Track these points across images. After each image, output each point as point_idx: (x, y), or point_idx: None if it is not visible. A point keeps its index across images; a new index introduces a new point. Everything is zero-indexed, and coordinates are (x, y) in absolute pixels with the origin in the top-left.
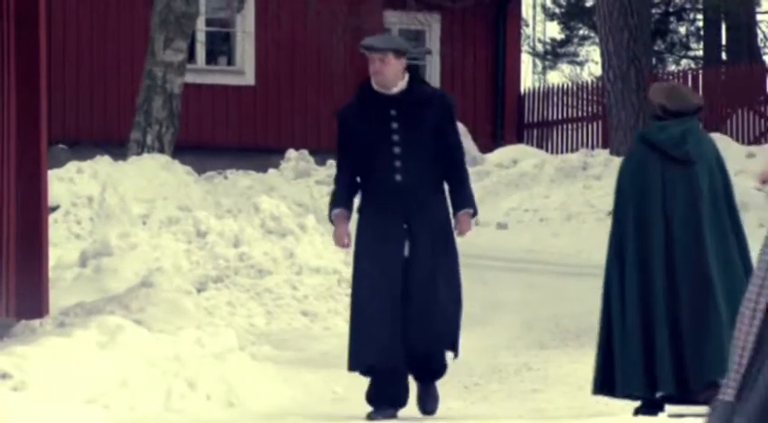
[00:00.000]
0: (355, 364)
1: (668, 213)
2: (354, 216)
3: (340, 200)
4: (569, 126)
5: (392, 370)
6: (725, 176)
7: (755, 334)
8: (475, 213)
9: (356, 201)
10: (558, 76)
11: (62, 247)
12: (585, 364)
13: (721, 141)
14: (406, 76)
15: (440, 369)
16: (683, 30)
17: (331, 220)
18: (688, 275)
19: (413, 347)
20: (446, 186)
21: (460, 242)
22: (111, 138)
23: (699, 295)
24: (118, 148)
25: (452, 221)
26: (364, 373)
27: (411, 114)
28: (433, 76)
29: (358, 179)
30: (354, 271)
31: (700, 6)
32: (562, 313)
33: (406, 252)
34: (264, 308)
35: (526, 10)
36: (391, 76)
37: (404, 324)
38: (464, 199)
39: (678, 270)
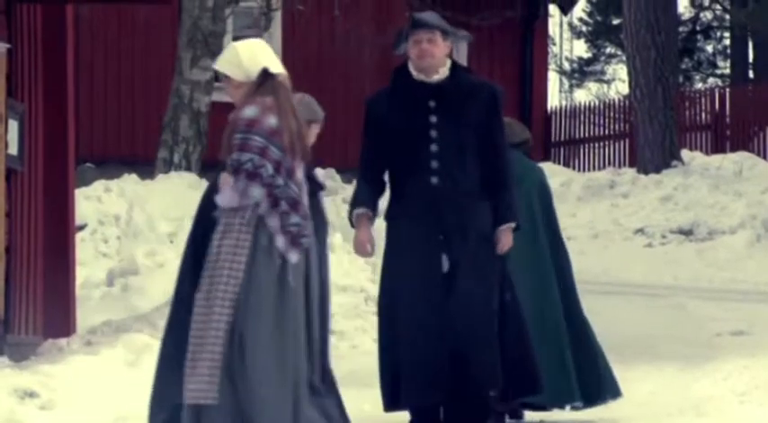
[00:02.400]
0: (391, 403)
1: None
2: (381, 224)
3: (363, 198)
4: (596, 144)
5: (434, 407)
6: (546, 200)
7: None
8: (518, 227)
9: (382, 204)
10: (585, 95)
11: (89, 265)
12: None
13: (749, 160)
14: (448, 63)
15: (482, 414)
16: (710, 48)
17: (351, 223)
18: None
19: (454, 387)
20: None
21: None
22: (138, 156)
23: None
24: (145, 166)
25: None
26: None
27: (453, 107)
28: None
29: (386, 179)
30: (382, 291)
31: (727, 25)
32: None
33: (445, 267)
34: None
35: (553, 28)
36: (439, 60)
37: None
38: (506, 210)
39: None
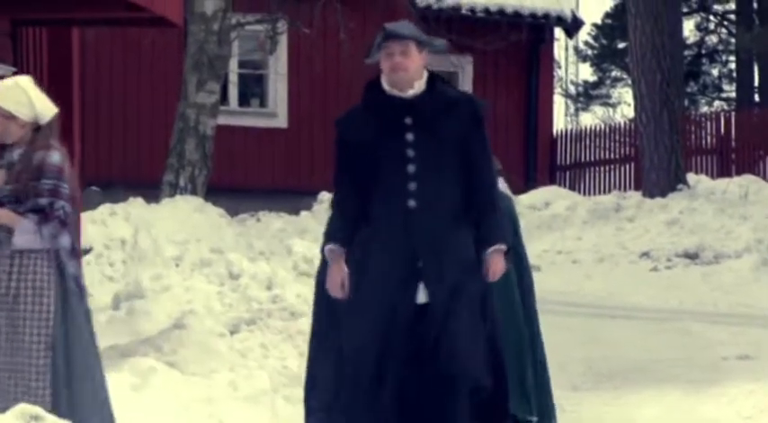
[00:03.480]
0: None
1: None
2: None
3: (336, 232)
4: (602, 168)
5: None
6: (513, 226)
7: None
8: (508, 250)
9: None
10: (591, 118)
11: (95, 289)
12: (618, 406)
13: (755, 184)
14: (425, 76)
15: None
16: (715, 72)
17: (324, 257)
18: None
19: None
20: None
21: None
22: (143, 180)
23: None
24: (151, 190)
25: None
26: None
27: (431, 123)
28: None
29: (361, 207)
30: (343, 321)
31: (732, 48)
32: (595, 355)
33: (420, 298)
34: (297, 350)
35: (559, 52)
36: (414, 73)
37: (412, 404)
38: (493, 231)
39: None
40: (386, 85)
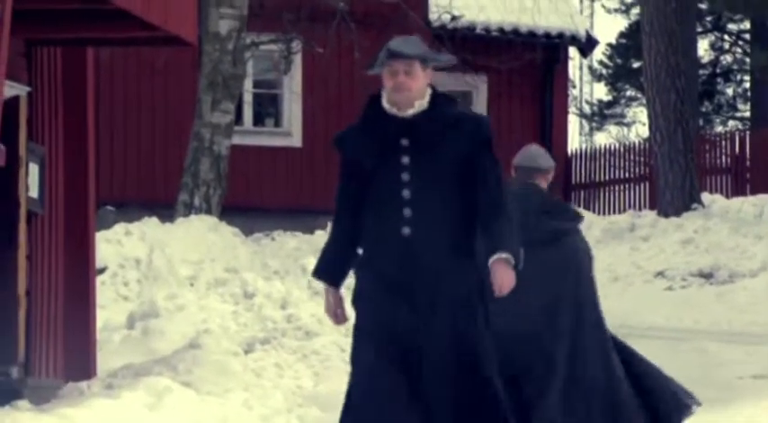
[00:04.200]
0: None
1: None
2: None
3: (327, 265)
4: (616, 187)
5: None
6: None
7: None
8: (517, 262)
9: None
10: (606, 138)
11: (110, 308)
12: None
13: None
14: (428, 94)
15: None
16: (730, 91)
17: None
18: None
19: None
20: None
21: None
22: (158, 199)
23: None
24: (165, 209)
25: (486, 291)
26: None
27: (429, 144)
28: None
29: (359, 228)
30: (352, 356)
31: (747, 68)
32: None
33: (414, 340)
34: (312, 370)
35: (573, 71)
36: (417, 93)
37: None
38: (498, 239)
39: None
40: (385, 103)
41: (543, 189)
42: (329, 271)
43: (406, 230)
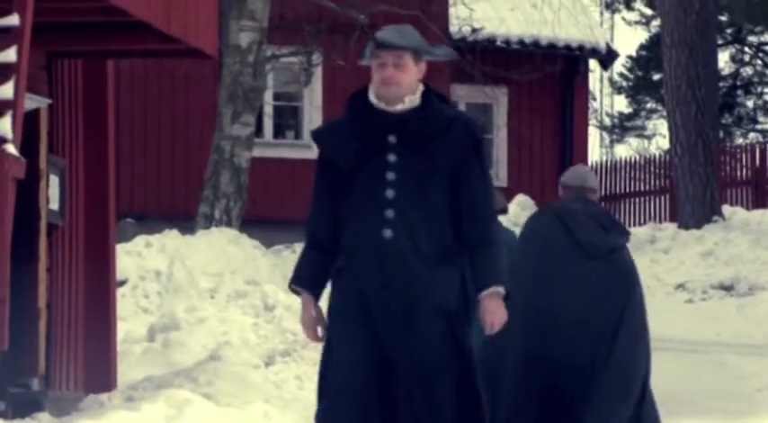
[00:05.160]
0: None
1: None
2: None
3: (304, 272)
4: (637, 199)
5: None
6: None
7: None
8: (508, 295)
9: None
10: (626, 150)
11: (130, 321)
12: None
13: None
14: (420, 90)
15: None
16: (750, 103)
17: (292, 289)
18: None
19: None
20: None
21: None
22: (179, 212)
23: None
24: (186, 222)
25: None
26: None
27: (418, 144)
28: (501, 149)
29: (336, 232)
30: (321, 365)
31: (767, 80)
32: None
33: (391, 349)
34: None
35: (593, 83)
36: (407, 87)
37: None
38: (488, 272)
39: None
40: (372, 98)
41: (600, 205)
42: (308, 280)
43: (388, 233)
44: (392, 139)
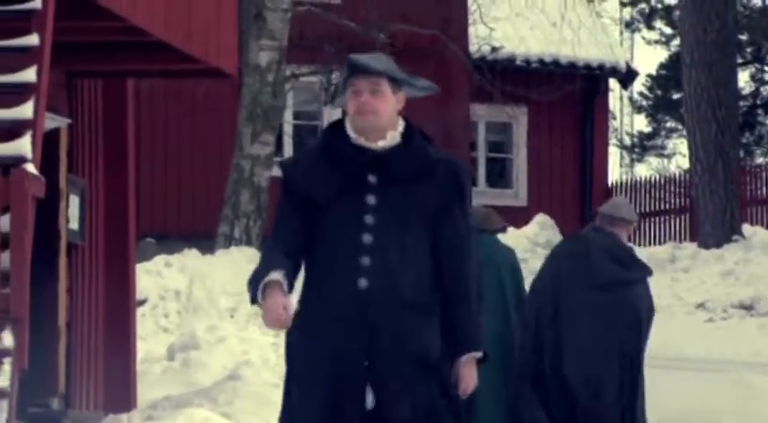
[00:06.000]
0: None
1: None
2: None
3: (270, 265)
4: (657, 219)
5: None
6: (515, 277)
7: None
8: (485, 357)
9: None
10: (646, 169)
11: (150, 340)
12: None
13: None
14: (401, 125)
15: None
16: None
17: (254, 301)
18: None
19: None
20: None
21: None
22: (198, 231)
23: None
24: (205, 241)
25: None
26: None
27: (400, 185)
28: (520, 168)
29: (300, 262)
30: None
31: None
32: (651, 405)
33: (369, 403)
34: None
35: (613, 103)
36: (387, 119)
37: None
38: (467, 335)
39: None
40: (350, 131)
41: (618, 239)
42: (275, 267)
43: (363, 282)
44: (372, 179)
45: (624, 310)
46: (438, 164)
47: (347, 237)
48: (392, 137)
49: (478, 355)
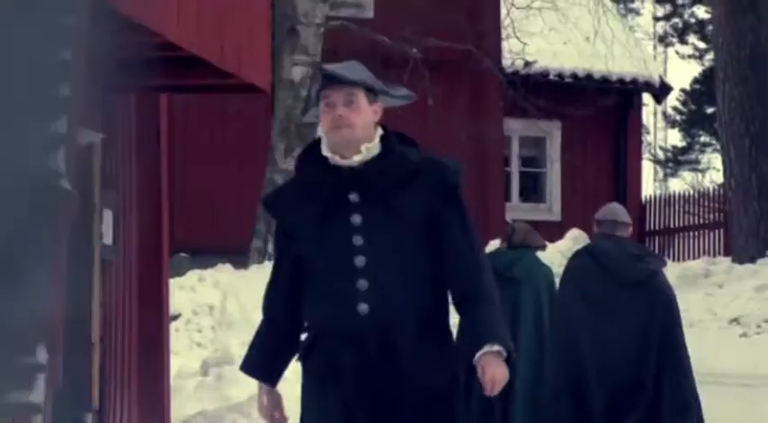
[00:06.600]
0: None
1: None
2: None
3: (258, 358)
4: (691, 233)
5: None
6: (553, 295)
7: None
8: (509, 355)
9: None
10: (680, 184)
11: (183, 355)
12: None
13: None
14: (378, 135)
15: None
16: None
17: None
18: None
19: None
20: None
21: None
22: (232, 246)
23: None
24: (239, 256)
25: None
26: None
27: (384, 199)
28: (554, 183)
29: (301, 313)
30: None
31: None
32: None
33: None
34: None
35: (647, 117)
36: (362, 132)
37: None
38: (483, 329)
39: None
40: (325, 151)
41: (628, 238)
42: (261, 365)
43: (363, 308)
44: (354, 197)
45: (658, 299)
46: (421, 167)
47: (339, 261)
48: (368, 149)
49: (495, 348)
